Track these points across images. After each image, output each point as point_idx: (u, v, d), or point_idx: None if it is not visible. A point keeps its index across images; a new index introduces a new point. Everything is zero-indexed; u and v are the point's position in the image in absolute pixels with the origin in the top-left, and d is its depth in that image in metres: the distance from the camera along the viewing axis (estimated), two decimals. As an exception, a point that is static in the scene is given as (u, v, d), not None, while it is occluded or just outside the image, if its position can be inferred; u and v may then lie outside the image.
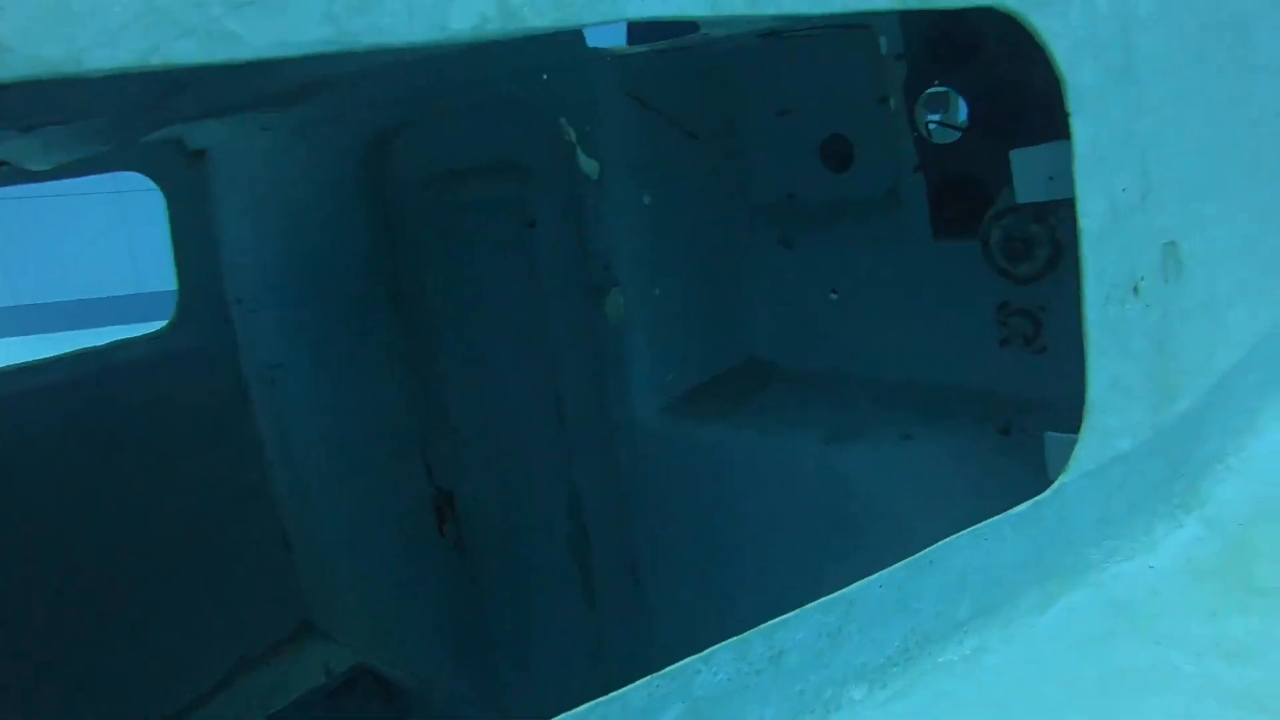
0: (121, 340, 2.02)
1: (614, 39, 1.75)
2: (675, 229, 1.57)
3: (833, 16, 0.69)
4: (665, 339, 1.59)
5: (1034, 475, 1.27)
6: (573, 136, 1.46)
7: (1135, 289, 0.97)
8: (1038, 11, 0.83)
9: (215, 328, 2.12)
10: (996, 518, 0.86)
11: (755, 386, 1.63)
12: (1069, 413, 1.06)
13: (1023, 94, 1.20)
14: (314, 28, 0.47)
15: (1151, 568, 0.94)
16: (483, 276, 1.70)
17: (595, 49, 1.51)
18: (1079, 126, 0.87)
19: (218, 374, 2.16)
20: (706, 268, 1.64)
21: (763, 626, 0.70)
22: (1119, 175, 0.93)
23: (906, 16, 1.29)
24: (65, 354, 1.97)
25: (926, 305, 1.45)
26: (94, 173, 1.80)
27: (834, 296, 1.55)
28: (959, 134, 1.30)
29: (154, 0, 0.42)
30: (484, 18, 0.52)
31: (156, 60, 0.43)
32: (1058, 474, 1.09)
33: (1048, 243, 1.15)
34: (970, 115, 1.26)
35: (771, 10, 0.64)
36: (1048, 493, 0.91)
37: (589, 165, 1.48)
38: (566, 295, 1.61)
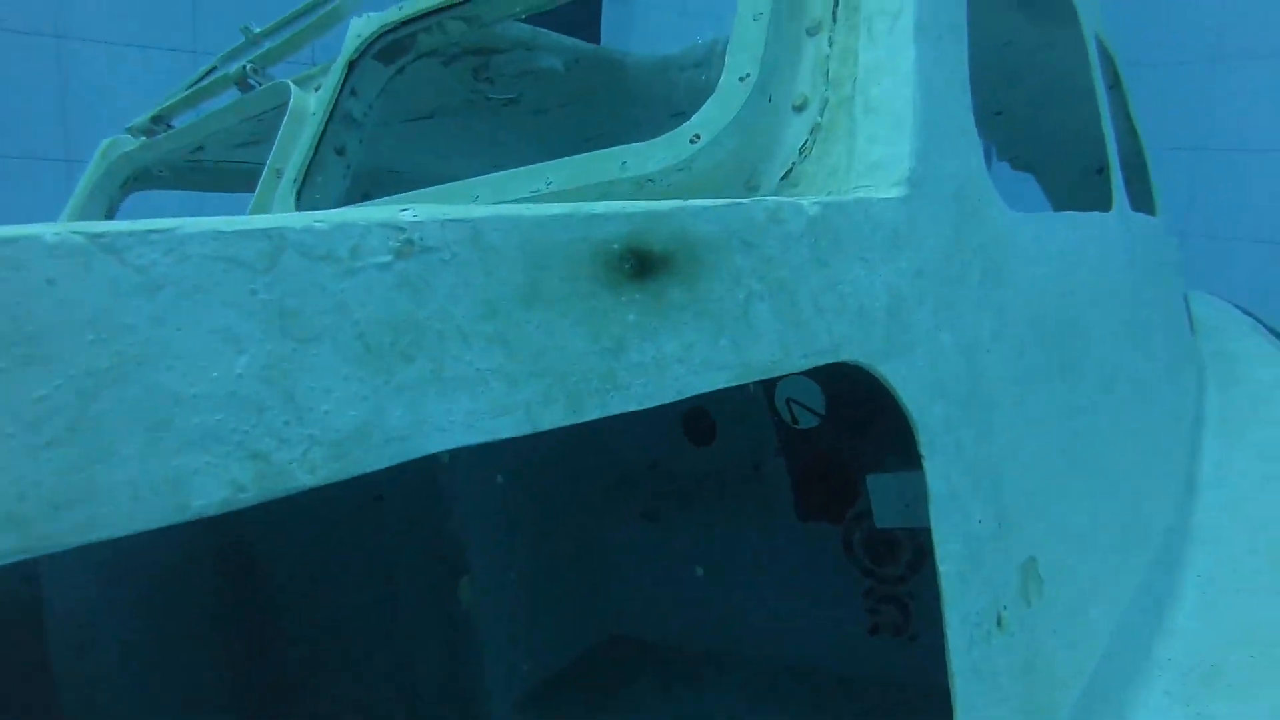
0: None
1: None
2: (532, 508, 1.49)
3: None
4: (520, 625, 1.48)
5: None
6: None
7: (999, 621, 0.93)
8: (885, 361, 0.82)
9: (19, 588, 1.88)
10: None
11: (620, 672, 1.52)
12: (941, 702, 0.99)
13: (878, 392, 1.21)
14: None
15: None
16: (324, 546, 1.56)
17: None
18: (932, 468, 0.85)
19: (20, 640, 1.89)
20: (566, 545, 1.56)
21: None
22: (974, 508, 0.91)
23: None
24: None
25: (794, 586, 1.40)
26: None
27: (700, 573, 1.49)
28: (819, 419, 1.29)
29: None
30: (238, 486, 0.44)
31: None
32: None
33: (910, 547, 1.12)
34: (827, 407, 1.26)
35: (596, 413, 0.59)
36: None
37: (439, 443, 1.40)
38: (416, 575, 1.49)
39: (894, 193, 0.87)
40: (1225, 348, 3.41)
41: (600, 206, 0.61)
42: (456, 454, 1.52)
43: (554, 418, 0.56)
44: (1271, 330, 3.75)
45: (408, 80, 1.72)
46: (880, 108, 0.93)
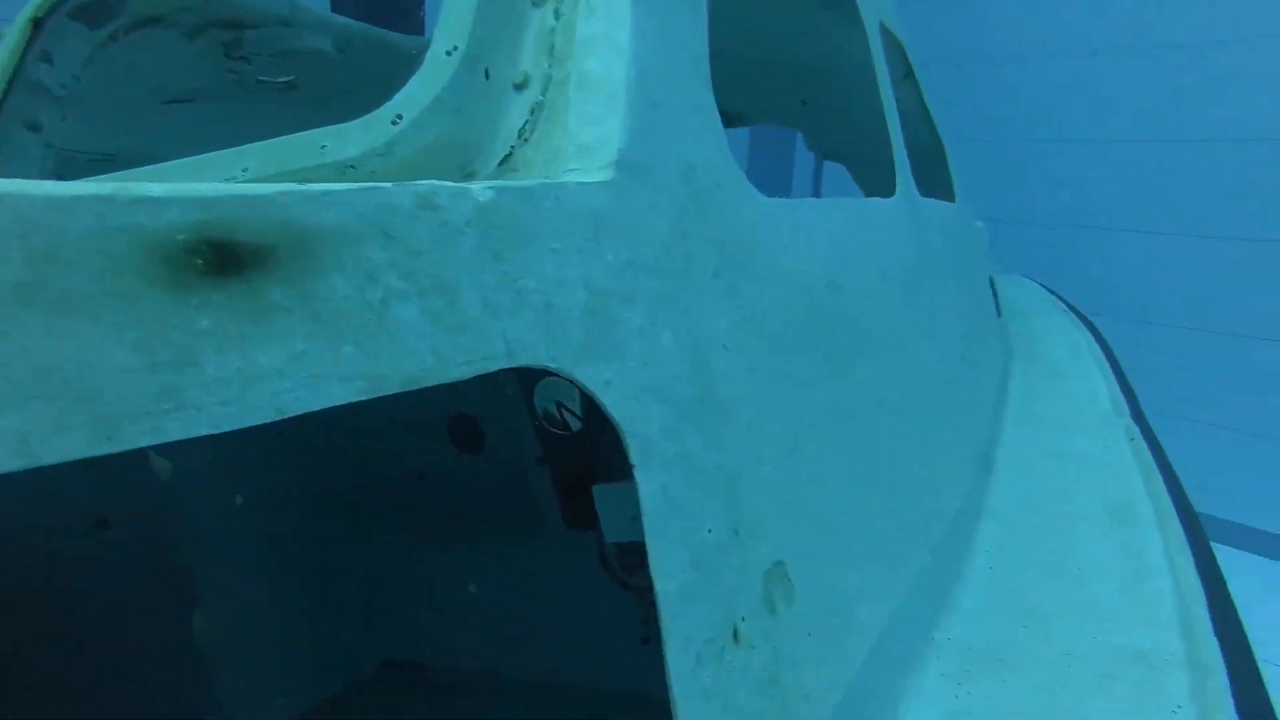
0: None
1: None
2: (280, 529, 1.35)
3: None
4: (272, 657, 1.34)
5: None
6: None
7: (735, 635, 0.87)
8: (583, 364, 0.74)
9: None
10: None
11: (393, 698, 1.41)
12: None
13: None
14: None
15: None
16: (43, 577, 1.38)
17: None
18: (646, 479, 0.78)
19: None
20: (325, 566, 1.42)
21: None
22: (703, 517, 0.85)
23: None
24: None
25: (569, 599, 1.32)
26: None
27: (473, 589, 1.39)
28: (581, 423, 1.21)
29: None
30: None
31: None
32: None
33: (664, 555, 1.05)
34: (584, 410, 1.18)
35: (146, 440, 0.48)
36: None
37: (157, 462, 1.24)
38: (147, 608, 1.33)
39: (598, 176, 0.79)
40: (1030, 327, 3.57)
41: (160, 188, 0.50)
42: (183, 474, 1.37)
43: (71, 447, 0.45)
44: (1072, 308, 3.98)
45: (144, 53, 1.54)
46: (593, 85, 0.85)
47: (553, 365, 0.71)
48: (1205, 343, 5.46)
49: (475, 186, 0.67)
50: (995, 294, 3.21)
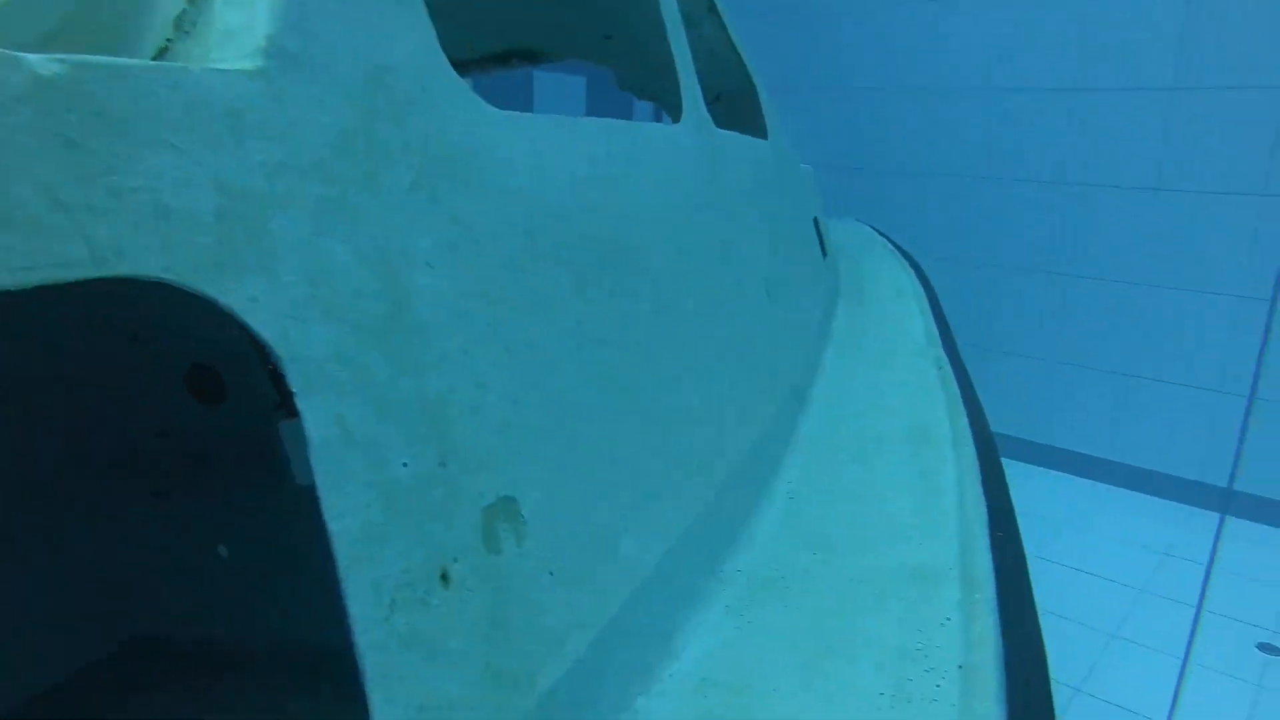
0: None
1: None
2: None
3: None
4: None
5: None
6: None
7: (443, 577, 0.80)
8: (217, 277, 0.64)
9: None
10: None
11: (138, 680, 1.28)
12: None
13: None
14: None
15: None
16: None
17: None
18: (312, 410, 0.69)
19: None
20: (55, 539, 1.27)
21: None
22: (394, 451, 0.76)
23: None
24: None
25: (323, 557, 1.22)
26: None
27: (224, 553, 1.27)
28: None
29: None
30: None
31: None
32: None
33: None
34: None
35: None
36: None
37: None
38: None
39: (241, 65, 0.69)
40: (859, 268, 3.65)
41: None
42: None
43: None
44: (899, 249, 4.10)
45: None
46: None
47: (170, 277, 0.61)
48: (1024, 281, 5.76)
49: (35, 57, 0.55)
50: (822, 235, 3.24)
